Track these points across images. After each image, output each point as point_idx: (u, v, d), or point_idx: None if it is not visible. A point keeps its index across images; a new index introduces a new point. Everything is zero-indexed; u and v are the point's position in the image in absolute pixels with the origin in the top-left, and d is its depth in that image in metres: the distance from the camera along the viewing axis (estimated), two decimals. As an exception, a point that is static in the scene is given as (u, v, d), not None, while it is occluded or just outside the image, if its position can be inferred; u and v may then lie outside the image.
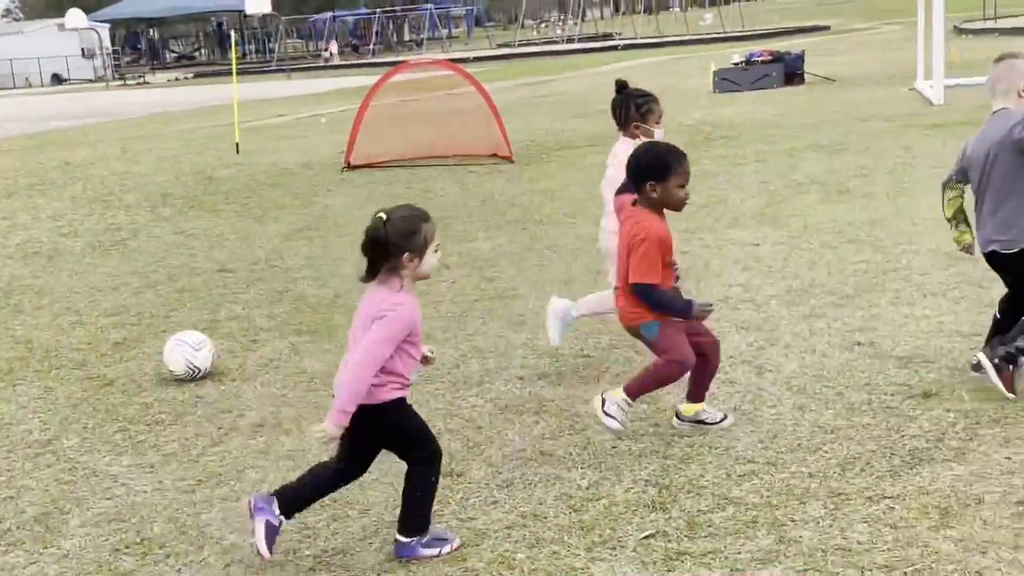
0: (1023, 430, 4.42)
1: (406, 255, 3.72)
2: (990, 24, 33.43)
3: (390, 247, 3.69)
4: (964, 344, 5.48)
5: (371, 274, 3.76)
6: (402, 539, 3.84)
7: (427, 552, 3.82)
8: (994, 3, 33.74)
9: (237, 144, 16.80)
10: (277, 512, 3.78)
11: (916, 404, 4.79)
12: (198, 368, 5.92)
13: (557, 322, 5.73)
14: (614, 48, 44.21)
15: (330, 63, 51.92)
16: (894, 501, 3.93)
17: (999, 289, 6.28)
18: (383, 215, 3.70)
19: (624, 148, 5.19)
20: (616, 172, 5.17)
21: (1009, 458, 4.18)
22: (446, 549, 3.83)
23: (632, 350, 5.83)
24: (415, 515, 3.86)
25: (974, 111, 13.97)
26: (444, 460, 4.60)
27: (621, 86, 5.63)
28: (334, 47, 55.58)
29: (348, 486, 4.45)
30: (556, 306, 5.74)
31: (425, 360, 4.01)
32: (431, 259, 3.80)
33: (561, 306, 5.73)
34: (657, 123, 5.54)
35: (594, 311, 5.76)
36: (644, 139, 5.30)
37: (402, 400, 3.83)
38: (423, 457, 3.87)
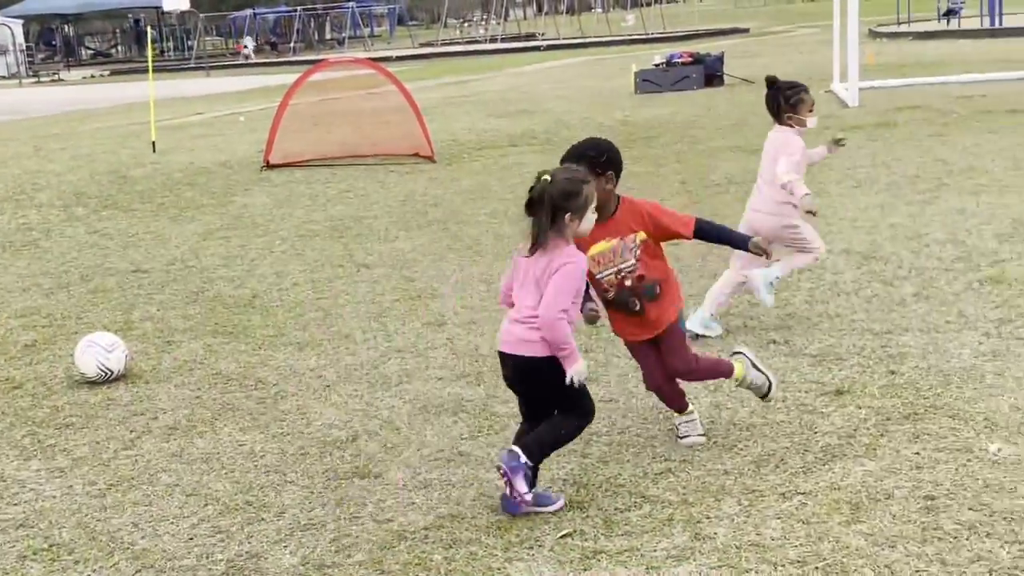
0: (931, 426, 4.50)
1: (568, 215, 3.89)
2: (904, 28, 34.06)
3: (554, 207, 3.86)
4: (875, 342, 5.57)
5: (539, 234, 3.90)
6: (524, 459, 3.96)
7: (520, 482, 3.94)
8: (908, 7, 34.38)
9: (153, 143, 16.54)
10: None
11: (829, 401, 4.86)
12: (110, 370, 5.81)
13: (762, 288, 5.91)
14: (537, 48, 44.30)
15: (249, 61, 51.36)
16: (806, 497, 3.98)
17: (909, 288, 6.41)
18: (548, 176, 3.89)
19: (776, 136, 5.93)
20: (791, 159, 5.76)
21: (918, 453, 4.26)
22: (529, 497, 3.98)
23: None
24: (542, 448, 4.05)
25: (888, 113, 14.24)
26: (361, 462, 4.59)
27: (771, 82, 6.06)
28: (250, 44, 54.85)
29: (265, 486, 4.41)
30: (753, 277, 5.92)
31: (592, 316, 4.29)
32: (590, 218, 3.98)
33: (757, 274, 5.91)
34: (810, 111, 5.92)
35: (794, 267, 6.12)
36: (798, 128, 5.86)
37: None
38: (585, 409, 4.09)
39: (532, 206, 3.92)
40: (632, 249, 4.33)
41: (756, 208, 5.97)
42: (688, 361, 4.51)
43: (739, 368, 4.57)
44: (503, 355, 4.06)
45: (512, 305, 4.08)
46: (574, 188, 3.91)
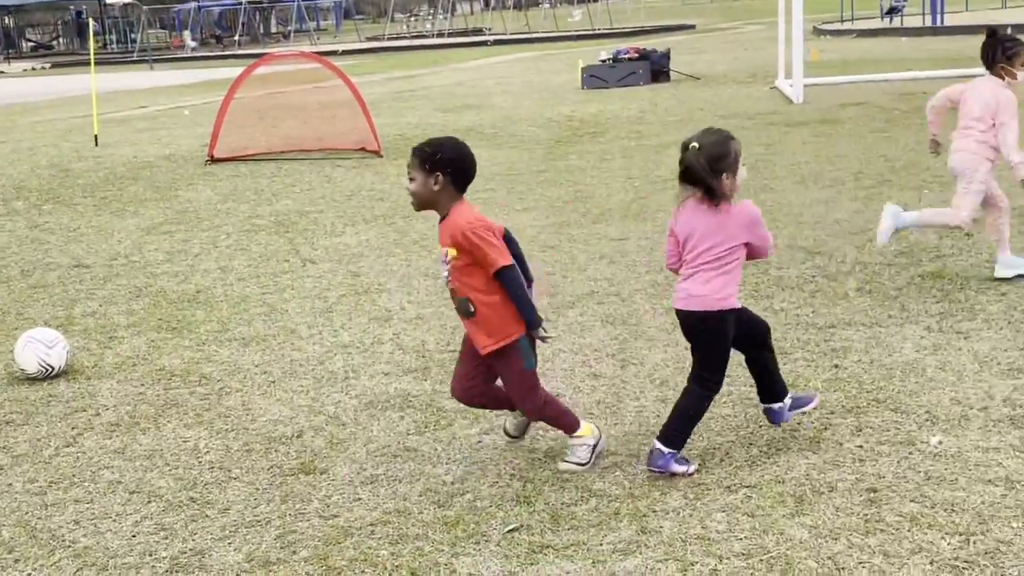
0: (874, 419, 4.55)
1: (724, 175, 4.01)
2: (847, 25, 34.40)
3: (709, 172, 3.99)
4: (819, 336, 5.62)
5: (709, 195, 4.04)
6: (662, 448, 4.10)
7: (678, 468, 4.11)
8: (851, 5, 34.72)
9: (96, 136, 16.33)
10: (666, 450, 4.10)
11: (773, 395, 4.89)
12: (51, 366, 5.73)
13: (888, 218, 6.36)
14: (484, 43, 44.24)
15: (193, 54, 50.78)
16: (751, 490, 4.01)
17: (852, 282, 6.48)
18: (696, 144, 4.02)
19: (988, 85, 6.22)
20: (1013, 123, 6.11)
21: (860, 446, 4.31)
22: (691, 469, 4.13)
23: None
24: (680, 430, 4.16)
25: (832, 109, 14.38)
26: (307, 458, 4.56)
27: (992, 32, 6.35)
28: (189, 38, 54.19)
29: (209, 483, 4.37)
30: (890, 209, 6.42)
31: None
32: (742, 172, 4.08)
33: (894, 210, 6.41)
34: (1022, 66, 6.23)
35: (927, 222, 6.59)
36: (1008, 80, 6.18)
37: (734, 312, 4.13)
38: (713, 380, 4.19)
39: (687, 175, 4.06)
40: (445, 261, 4.20)
41: (959, 149, 6.31)
42: (525, 399, 4.26)
43: (585, 428, 4.32)
44: (678, 312, 4.22)
45: (678, 271, 4.27)
46: (721, 150, 4.03)
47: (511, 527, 3.87)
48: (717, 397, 4.87)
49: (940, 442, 4.29)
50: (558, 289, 6.83)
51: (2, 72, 49.24)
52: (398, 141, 14.58)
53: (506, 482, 4.23)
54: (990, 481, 3.95)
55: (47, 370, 5.73)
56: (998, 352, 5.22)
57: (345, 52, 42.45)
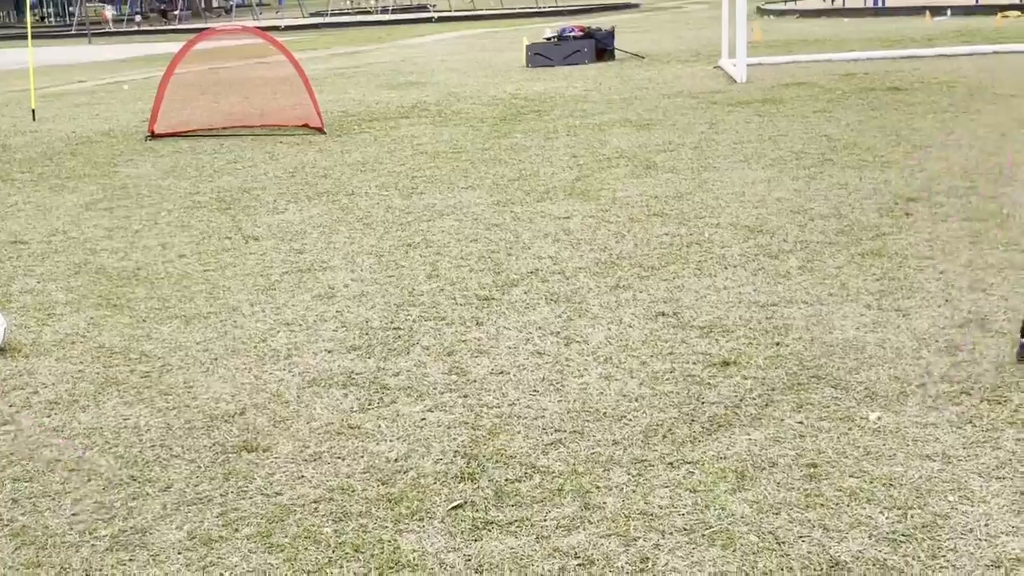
0: (814, 396, 4.60)
1: None
2: (791, 5, 34.65)
3: None
4: (762, 313, 5.67)
5: None
6: None
7: None
8: (794, -14, 35.02)
9: (33, 111, 16.06)
10: None
11: (716, 372, 4.93)
12: (-12, 344, 5.64)
13: None
14: (428, 20, 44.04)
15: (109, 30, 49.84)
16: (694, 466, 4.04)
17: (794, 261, 6.55)
18: None
19: None
20: None
21: (801, 423, 4.36)
22: None
23: (441, 321, 5.83)
24: None
25: (774, 89, 14.49)
26: (249, 436, 4.53)
27: None
28: (110, 11, 53.16)
29: (150, 461, 4.33)
30: None
31: None
32: None
33: None
34: None
35: None
36: None
37: None
38: None
39: None
40: None
41: None
42: None
43: None
44: None
45: None
46: None
47: (455, 504, 3.87)
48: (660, 373, 4.93)
49: (879, 418, 4.35)
50: (503, 267, 6.83)
51: (-64, 45, 48.21)
52: (341, 118, 14.50)
53: (450, 459, 4.23)
54: (928, 456, 4.01)
55: (-17, 348, 5.64)
56: (936, 330, 5.30)
57: (288, 27, 42.03)
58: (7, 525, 3.88)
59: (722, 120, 12.25)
